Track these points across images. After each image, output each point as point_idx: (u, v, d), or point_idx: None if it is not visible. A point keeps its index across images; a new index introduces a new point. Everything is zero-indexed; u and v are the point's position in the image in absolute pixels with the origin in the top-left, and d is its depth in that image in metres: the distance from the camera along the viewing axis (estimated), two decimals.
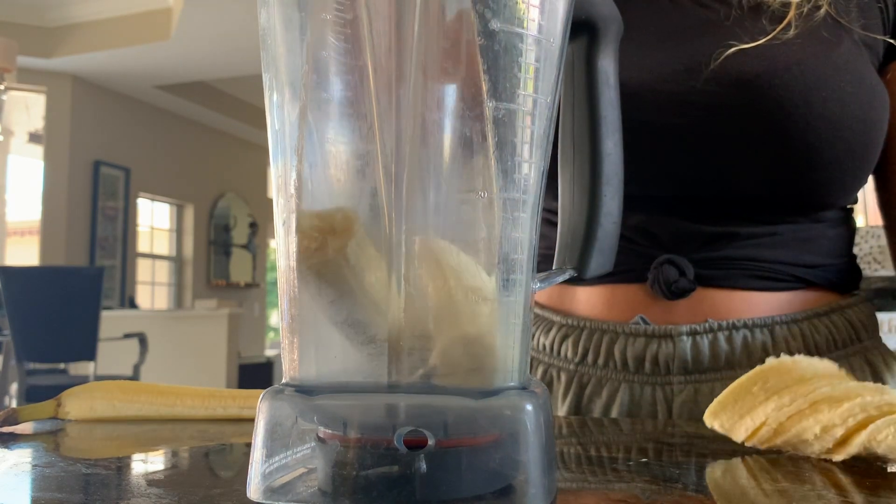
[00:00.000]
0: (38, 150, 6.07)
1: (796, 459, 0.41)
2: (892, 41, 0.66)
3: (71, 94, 6.02)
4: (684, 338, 0.63)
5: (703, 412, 0.60)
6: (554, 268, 0.40)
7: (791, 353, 0.58)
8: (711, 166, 0.63)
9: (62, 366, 4.61)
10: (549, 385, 0.70)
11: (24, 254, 6.23)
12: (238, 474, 0.39)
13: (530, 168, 0.32)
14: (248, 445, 0.37)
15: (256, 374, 6.16)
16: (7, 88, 4.53)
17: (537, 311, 0.73)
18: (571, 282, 0.66)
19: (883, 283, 2.35)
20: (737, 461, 0.41)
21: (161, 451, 0.47)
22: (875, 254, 3.29)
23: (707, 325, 0.63)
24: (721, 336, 0.63)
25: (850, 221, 0.70)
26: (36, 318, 3.73)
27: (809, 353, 0.62)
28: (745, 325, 0.63)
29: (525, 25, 0.32)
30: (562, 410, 0.68)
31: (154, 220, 7.18)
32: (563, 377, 0.69)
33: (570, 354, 0.68)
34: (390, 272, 0.31)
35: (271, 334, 8.66)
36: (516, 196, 0.32)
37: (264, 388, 0.33)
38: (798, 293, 0.65)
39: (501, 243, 0.32)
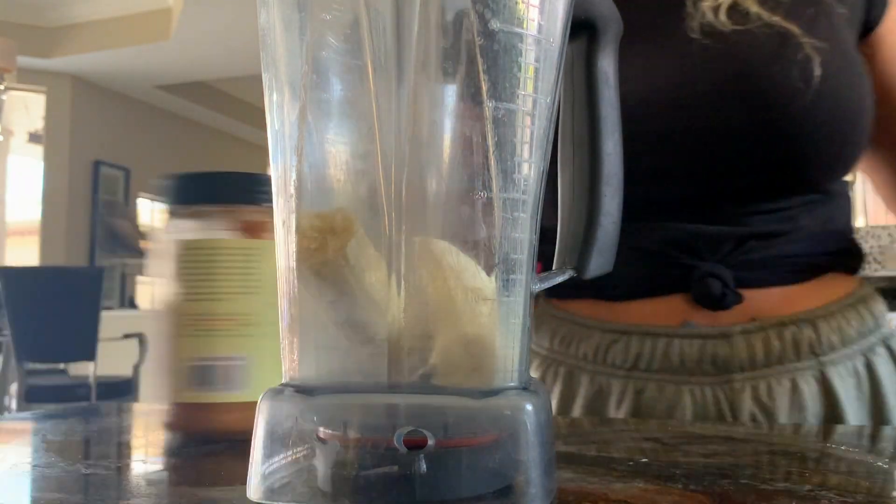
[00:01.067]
0: (38, 150, 6.06)
1: (797, 459, 0.41)
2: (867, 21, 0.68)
3: (71, 94, 6.01)
4: (738, 337, 0.64)
5: (768, 408, 0.63)
6: (554, 268, 0.40)
7: (832, 346, 0.63)
8: (721, 163, 0.64)
9: (62, 366, 4.60)
10: (599, 392, 0.69)
11: (24, 254, 6.23)
12: (238, 474, 0.39)
13: (530, 168, 0.32)
14: (249, 445, 0.36)
15: None
16: (7, 88, 4.52)
17: (574, 318, 0.73)
18: (603, 295, 0.67)
19: (883, 283, 2.35)
20: (737, 461, 0.41)
21: (161, 451, 0.47)
22: (875, 254, 3.30)
23: (758, 323, 0.64)
24: (771, 333, 0.64)
25: (847, 195, 0.72)
26: (36, 318, 3.73)
27: (844, 344, 0.65)
28: (792, 322, 0.64)
29: (525, 25, 0.32)
30: (619, 416, 0.67)
31: (154, 220, 7.18)
32: (615, 384, 0.67)
33: (619, 361, 0.68)
34: (390, 272, 0.31)
35: None
36: (516, 196, 0.32)
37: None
38: (824, 279, 0.67)
39: (501, 243, 0.32)
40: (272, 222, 0.44)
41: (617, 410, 0.67)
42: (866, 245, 3.28)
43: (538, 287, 0.35)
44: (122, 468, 0.41)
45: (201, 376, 0.49)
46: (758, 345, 0.64)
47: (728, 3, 0.63)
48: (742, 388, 0.63)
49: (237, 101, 7.34)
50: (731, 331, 0.64)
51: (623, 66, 0.66)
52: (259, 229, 0.50)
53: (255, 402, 0.43)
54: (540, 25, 0.32)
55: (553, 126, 0.34)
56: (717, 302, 0.64)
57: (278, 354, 0.48)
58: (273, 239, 0.36)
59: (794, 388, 0.63)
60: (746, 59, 0.62)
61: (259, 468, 0.31)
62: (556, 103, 0.35)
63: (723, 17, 0.63)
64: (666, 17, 0.66)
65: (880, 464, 0.40)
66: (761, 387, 0.63)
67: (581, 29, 0.40)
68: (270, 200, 0.49)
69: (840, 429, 0.57)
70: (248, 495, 0.31)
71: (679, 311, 0.66)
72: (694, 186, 0.66)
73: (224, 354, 0.49)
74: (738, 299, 0.64)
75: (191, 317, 0.49)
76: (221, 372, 0.49)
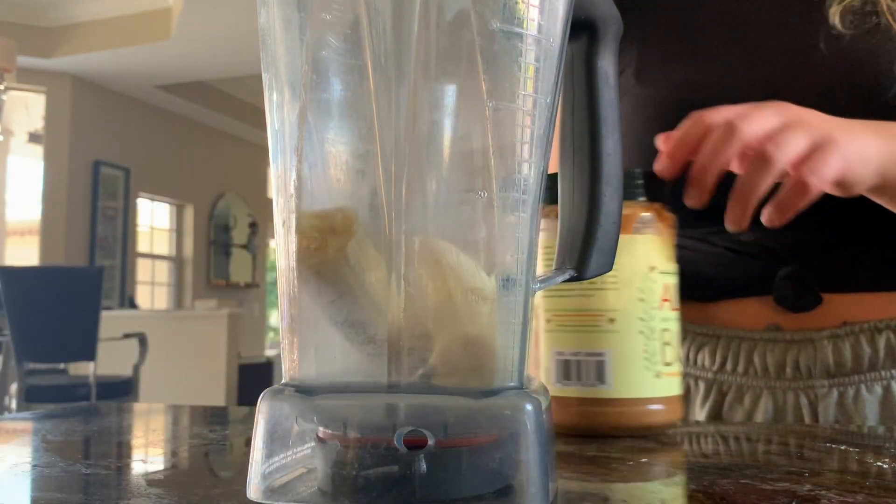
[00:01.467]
0: (38, 150, 6.06)
1: (798, 459, 0.41)
2: None
3: (71, 94, 6.01)
4: (825, 342, 0.63)
5: (851, 415, 0.61)
6: (554, 268, 0.40)
7: None
8: None
9: (62, 366, 4.60)
10: (687, 393, 0.70)
11: (24, 254, 6.23)
12: (238, 474, 0.39)
13: (530, 168, 0.32)
14: (248, 445, 0.37)
15: (256, 375, 6.16)
16: (7, 88, 4.53)
17: None
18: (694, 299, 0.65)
19: None
20: (737, 461, 0.41)
21: (161, 451, 0.47)
22: None
23: (847, 328, 0.63)
24: (863, 338, 0.63)
25: None
26: (36, 318, 3.73)
27: None
28: (889, 327, 0.62)
29: (525, 25, 0.32)
30: (700, 418, 0.68)
31: (154, 220, 7.18)
32: (702, 385, 0.69)
33: (707, 363, 0.69)
34: (390, 272, 0.31)
35: (271, 334, 8.67)
36: (516, 196, 0.32)
37: (264, 388, 0.33)
38: None
39: (501, 243, 0.32)
40: (641, 215, 0.43)
41: (700, 411, 0.68)
42: None
43: (538, 287, 0.35)
44: (121, 468, 0.41)
45: (565, 370, 0.50)
46: (846, 350, 0.63)
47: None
48: (827, 393, 0.63)
49: (237, 101, 7.34)
50: (816, 336, 0.63)
51: (734, 60, 0.64)
52: (627, 224, 0.49)
53: (620, 399, 0.47)
54: (540, 25, 0.32)
55: (553, 126, 0.34)
56: (793, 303, 0.64)
57: (642, 351, 0.49)
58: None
59: (887, 395, 0.62)
60: (854, 60, 0.61)
61: (259, 468, 0.31)
62: (556, 103, 0.35)
63: (838, 18, 0.62)
64: (797, 16, 0.65)
65: (880, 464, 0.40)
66: (849, 393, 0.62)
67: (581, 29, 0.40)
68: (640, 195, 0.47)
69: (841, 428, 0.57)
70: (248, 495, 0.31)
71: (766, 314, 0.66)
72: None
73: (590, 350, 0.49)
74: (816, 302, 0.63)
75: (558, 311, 0.50)
76: (585, 367, 0.49)
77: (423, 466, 0.30)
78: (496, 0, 0.31)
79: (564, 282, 0.39)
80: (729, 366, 0.67)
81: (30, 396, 3.74)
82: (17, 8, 5.54)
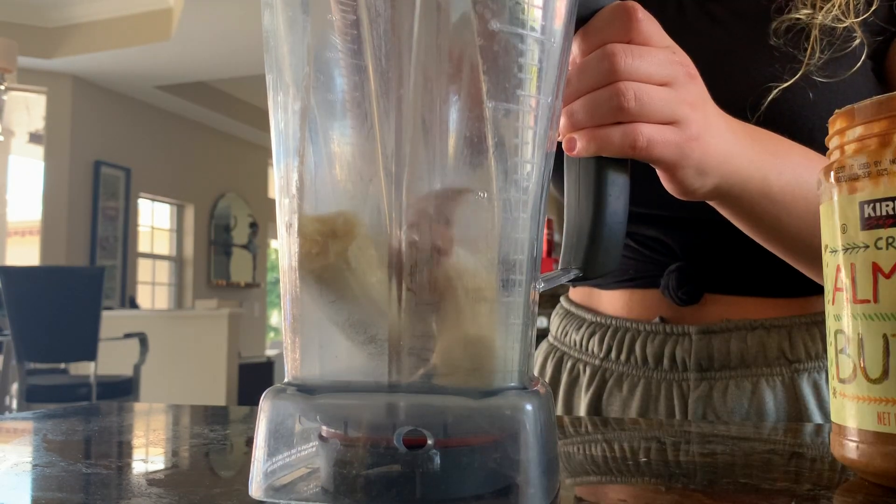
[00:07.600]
0: (39, 150, 6.07)
1: (797, 459, 0.41)
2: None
3: (71, 94, 6.01)
4: (699, 336, 0.65)
5: (718, 409, 0.63)
6: (559, 268, 0.40)
7: (810, 356, 0.61)
8: None
9: (62, 366, 4.60)
10: (576, 379, 0.73)
11: (25, 254, 6.23)
12: (238, 474, 0.39)
13: (531, 168, 0.32)
14: (249, 445, 0.37)
15: (257, 374, 6.16)
16: (7, 88, 4.52)
17: (571, 308, 0.77)
18: (588, 282, 0.67)
19: None
20: (737, 461, 0.41)
21: (161, 451, 0.47)
22: None
23: (723, 324, 0.65)
24: (736, 335, 0.64)
25: None
26: (36, 318, 3.73)
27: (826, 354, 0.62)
28: (762, 326, 0.64)
29: (526, 26, 0.32)
30: (583, 402, 0.71)
31: (154, 220, 7.18)
32: (589, 371, 0.71)
33: (596, 350, 0.71)
34: (390, 272, 0.31)
35: (272, 334, 8.67)
36: (516, 196, 0.32)
37: (264, 388, 0.33)
38: (813, 298, 0.65)
39: (501, 243, 0.32)
40: None
41: (585, 396, 0.71)
42: None
43: (542, 287, 0.35)
44: (122, 468, 0.41)
45: None
46: (719, 346, 0.64)
47: None
48: (697, 386, 0.65)
49: (237, 101, 7.34)
50: (693, 329, 0.66)
51: None
52: None
53: None
54: (542, 26, 0.32)
55: (556, 126, 0.34)
56: (676, 294, 0.66)
57: None
58: None
59: (755, 392, 0.63)
60: (814, 115, 0.60)
61: (261, 467, 0.31)
62: (559, 103, 0.35)
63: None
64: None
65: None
66: (718, 386, 0.64)
67: None
68: None
69: None
70: (250, 493, 0.31)
71: (654, 306, 0.69)
72: (696, 208, 0.65)
73: None
74: (697, 296, 0.65)
75: None
76: None
77: (424, 466, 0.30)
78: (497, 1, 0.31)
79: (569, 282, 0.39)
80: (613, 354, 0.70)
81: (30, 396, 3.74)
82: (17, 8, 5.54)
